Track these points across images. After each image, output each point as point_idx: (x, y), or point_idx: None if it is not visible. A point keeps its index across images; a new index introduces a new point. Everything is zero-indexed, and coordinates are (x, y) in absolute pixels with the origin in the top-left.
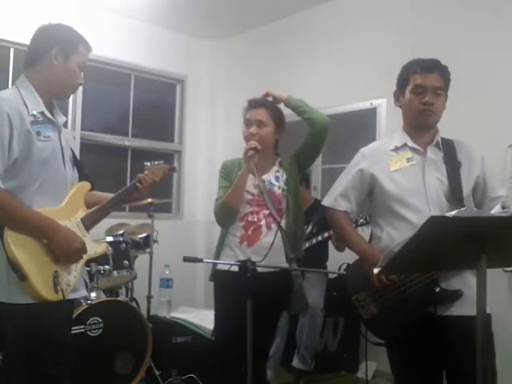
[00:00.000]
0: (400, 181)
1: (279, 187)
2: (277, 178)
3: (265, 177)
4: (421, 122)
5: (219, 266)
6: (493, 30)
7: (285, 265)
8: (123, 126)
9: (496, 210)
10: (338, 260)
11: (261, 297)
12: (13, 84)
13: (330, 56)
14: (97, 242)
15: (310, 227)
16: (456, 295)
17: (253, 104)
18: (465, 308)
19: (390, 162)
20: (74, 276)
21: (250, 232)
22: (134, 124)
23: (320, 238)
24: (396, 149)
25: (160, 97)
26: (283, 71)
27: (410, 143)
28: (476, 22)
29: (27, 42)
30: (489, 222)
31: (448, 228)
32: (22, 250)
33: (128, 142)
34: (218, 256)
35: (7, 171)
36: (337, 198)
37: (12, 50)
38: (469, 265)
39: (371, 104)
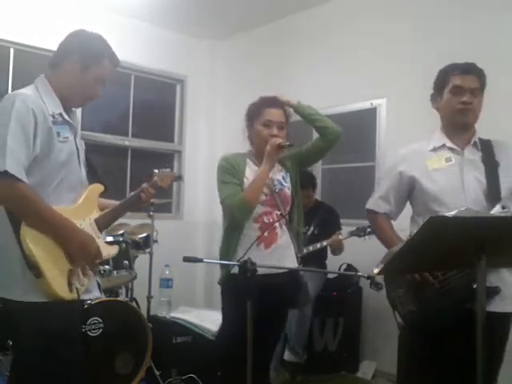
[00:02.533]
0: (438, 180)
1: (288, 188)
2: (283, 178)
3: (271, 175)
4: (459, 121)
5: (234, 270)
6: (494, 27)
7: (295, 265)
8: (123, 126)
9: (496, 210)
10: (338, 260)
11: (273, 298)
12: (13, 84)
13: (330, 56)
14: (109, 244)
15: (312, 228)
16: (493, 291)
17: (272, 103)
18: (503, 304)
19: (429, 162)
20: (87, 276)
21: (266, 234)
22: (134, 124)
23: (318, 246)
24: (434, 149)
25: (160, 97)
26: (283, 71)
27: (449, 143)
28: (476, 20)
29: (27, 42)
30: (489, 222)
31: (448, 228)
32: (39, 246)
33: (128, 142)
34: (231, 259)
35: (28, 168)
36: (377, 200)
37: (12, 50)
38: (469, 265)
39: (371, 104)
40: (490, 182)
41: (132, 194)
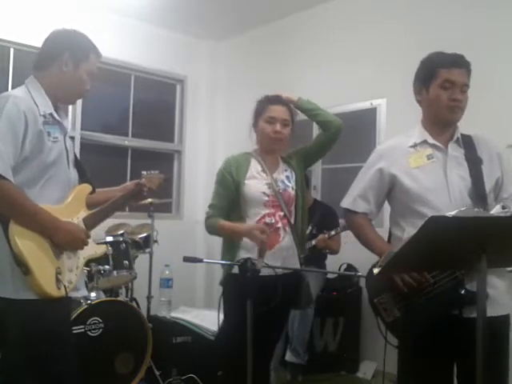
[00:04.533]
0: (421, 179)
1: (292, 188)
2: (288, 178)
3: (275, 175)
4: (448, 119)
5: (235, 270)
6: (493, 30)
7: (297, 266)
8: (123, 126)
9: (496, 210)
10: (338, 260)
11: (274, 298)
12: (13, 84)
13: (330, 56)
14: (97, 244)
15: (310, 228)
16: None
17: (275, 101)
18: (491, 309)
19: (410, 159)
20: (75, 274)
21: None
22: (134, 124)
23: (314, 243)
24: (415, 145)
25: (160, 97)
26: (283, 71)
27: (430, 140)
28: (476, 21)
29: (27, 42)
30: (489, 222)
31: (448, 228)
32: (27, 244)
33: (128, 141)
34: (232, 259)
35: (15, 167)
36: (356, 198)
37: (12, 50)
38: (469, 265)
39: (371, 104)
40: (474, 179)
41: (118, 196)
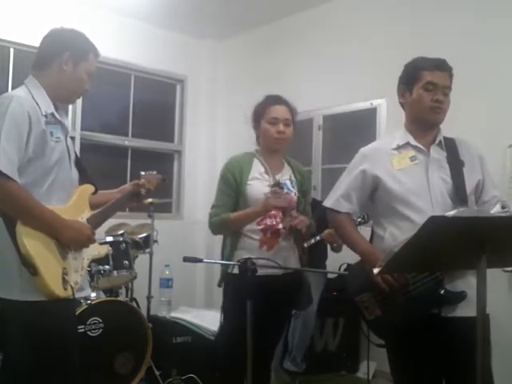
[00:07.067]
0: (404, 180)
1: (295, 194)
2: (291, 182)
3: (278, 177)
4: (430, 119)
5: (235, 270)
6: (493, 30)
7: (297, 267)
8: (123, 126)
9: (496, 210)
10: (338, 260)
11: (275, 298)
12: (13, 84)
13: (330, 56)
14: (100, 244)
15: None
16: (460, 296)
17: (277, 101)
18: (469, 309)
19: (393, 161)
20: (80, 275)
21: (268, 235)
22: (134, 124)
23: (313, 241)
24: (398, 147)
25: (160, 97)
26: (283, 71)
27: (413, 142)
28: (476, 21)
29: (27, 42)
30: (489, 222)
31: (448, 228)
32: (34, 244)
33: (128, 141)
34: (230, 259)
35: (19, 168)
36: (338, 199)
37: (12, 50)
38: (469, 265)
39: (371, 104)
40: (455, 182)
41: (119, 197)
